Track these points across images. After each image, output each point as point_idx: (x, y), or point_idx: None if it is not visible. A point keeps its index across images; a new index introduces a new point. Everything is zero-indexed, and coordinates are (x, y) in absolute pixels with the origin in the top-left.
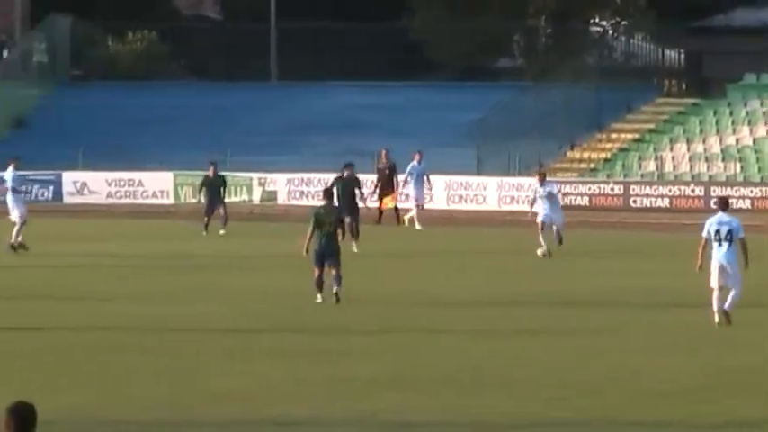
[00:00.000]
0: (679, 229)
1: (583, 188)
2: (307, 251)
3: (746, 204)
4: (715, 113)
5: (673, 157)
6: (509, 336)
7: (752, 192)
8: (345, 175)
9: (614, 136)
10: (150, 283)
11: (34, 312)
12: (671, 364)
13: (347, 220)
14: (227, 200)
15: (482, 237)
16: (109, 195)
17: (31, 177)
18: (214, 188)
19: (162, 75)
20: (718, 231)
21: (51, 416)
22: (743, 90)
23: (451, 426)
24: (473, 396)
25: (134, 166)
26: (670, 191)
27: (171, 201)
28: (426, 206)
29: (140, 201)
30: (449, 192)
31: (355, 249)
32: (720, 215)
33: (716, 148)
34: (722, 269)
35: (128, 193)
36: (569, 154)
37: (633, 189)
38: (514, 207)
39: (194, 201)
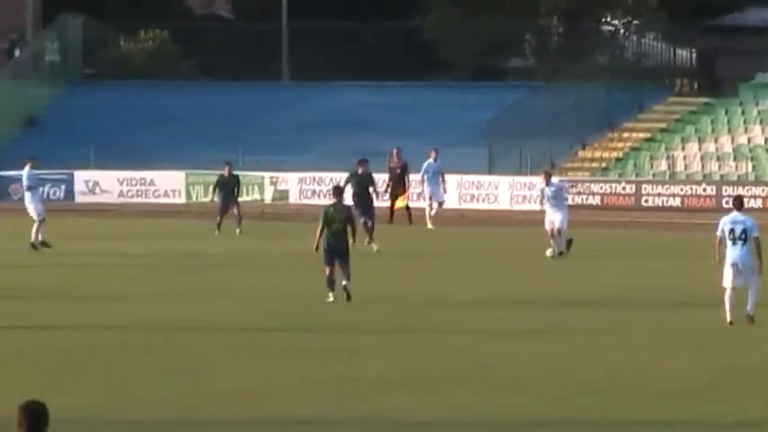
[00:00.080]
0: (690, 228)
1: (594, 187)
2: (317, 248)
3: (758, 204)
4: (727, 113)
5: (684, 157)
6: (517, 335)
7: (763, 191)
8: (360, 171)
9: (626, 135)
10: (161, 282)
11: (43, 311)
12: (677, 364)
13: (362, 220)
14: (239, 199)
15: (493, 236)
16: (121, 194)
17: (42, 176)
18: (228, 188)
19: (173, 74)
20: (732, 230)
21: (56, 415)
22: (755, 89)
23: (461, 425)
24: (481, 395)
25: (146, 165)
26: (681, 190)
27: (182, 200)
28: (432, 204)
29: (152, 200)
30: (461, 191)
31: (375, 248)
32: (735, 214)
33: (727, 148)
34: (736, 268)
35: (139, 193)
36: (581, 153)
37: (645, 188)
38: (526, 206)
39: (206, 200)
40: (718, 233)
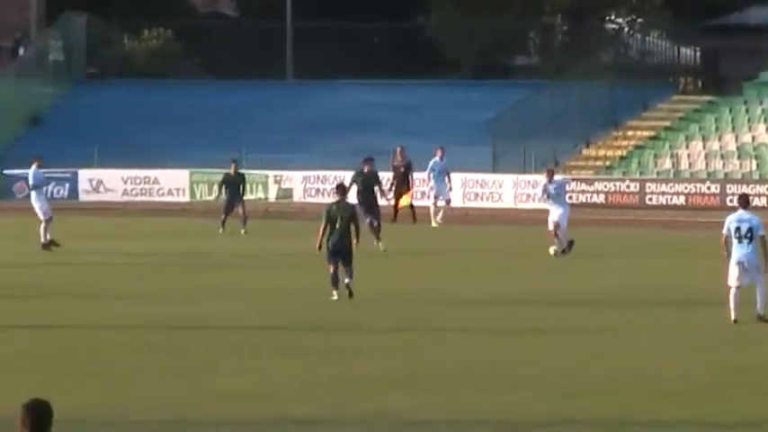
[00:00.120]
0: (694, 226)
1: (598, 186)
2: (320, 247)
3: (762, 202)
4: (731, 111)
5: (688, 155)
6: (520, 334)
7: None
8: (366, 170)
9: (630, 134)
10: (165, 281)
11: (45, 311)
12: (679, 363)
13: (368, 220)
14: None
15: (497, 235)
16: (125, 193)
17: (46, 175)
18: (234, 186)
19: (177, 73)
20: (738, 229)
21: (58, 415)
22: (758, 88)
23: (463, 424)
24: (484, 394)
25: (150, 163)
26: (686, 188)
27: (186, 198)
28: (440, 204)
29: (156, 198)
30: (465, 189)
31: (382, 248)
32: (741, 212)
33: (731, 146)
34: (741, 267)
35: (143, 191)
36: (585, 152)
37: (649, 187)
38: (530, 205)
39: (210, 198)
40: (724, 231)
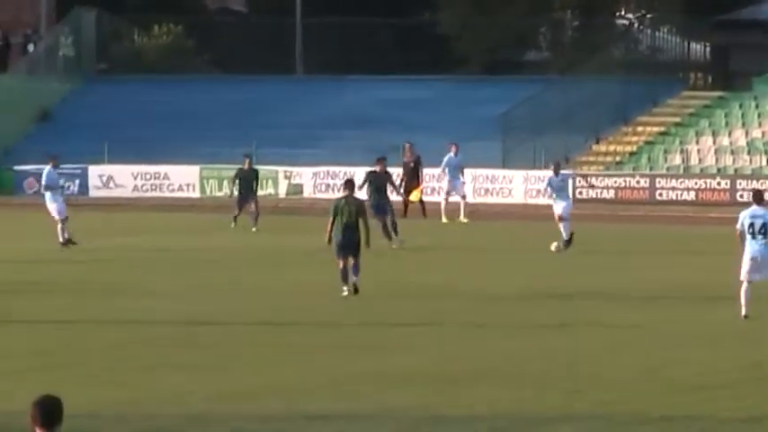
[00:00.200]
0: (705, 222)
1: (608, 181)
2: (329, 241)
3: None
4: (741, 107)
5: (698, 150)
6: (531, 330)
7: None
8: (378, 169)
9: (640, 129)
10: (176, 277)
11: (55, 307)
12: (691, 359)
13: (381, 224)
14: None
15: (507, 230)
16: (135, 189)
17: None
18: (247, 181)
19: (187, 69)
20: (752, 224)
21: (69, 410)
22: None
23: (475, 420)
24: (496, 389)
25: (160, 159)
26: (696, 184)
27: (197, 194)
28: (451, 199)
29: (166, 194)
30: (475, 185)
31: (395, 245)
32: (755, 208)
33: (742, 141)
34: (755, 262)
35: (154, 187)
36: (595, 147)
37: (659, 182)
38: (540, 200)
39: (221, 194)
40: (738, 227)
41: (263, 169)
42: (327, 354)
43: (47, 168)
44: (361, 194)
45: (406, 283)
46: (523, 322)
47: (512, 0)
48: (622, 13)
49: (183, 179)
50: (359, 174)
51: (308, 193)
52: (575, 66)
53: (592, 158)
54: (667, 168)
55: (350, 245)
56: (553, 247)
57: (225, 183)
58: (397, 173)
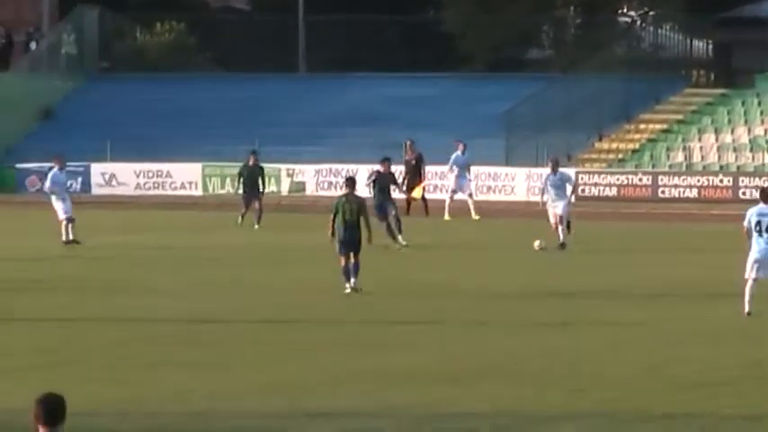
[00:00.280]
0: (707, 219)
1: (611, 179)
2: (333, 234)
3: None
4: (743, 104)
5: (701, 148)
6: (534, 328)
7: None
8: (382, 170)
9: (642, 126)
10: (179, 274)
11: (63, 305)
12: (693, 356)
13: (384, 223)
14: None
15: (510, 228)
16: (137, 187)
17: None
18: (252, 178)
19: (190, 66)
20: (759, 223)
21: (84, 408)
22: None
23: (477, 417)
24: (503, 387)
25: (162, 157)
26: (698, 181)
27: (199, 192)
28: (457, 197)
29: (169, 192)
30: (477, 182)
31: (398, 246)
32: (762, 206)
33: (744, 139)
34: (761, 261)
35: (156, 185)
36: (597, 145)
37: (661, 180)
38: (546, 197)
39: (223, 192)
40: (745, 224)
41: (265, 167)
42: (329, 351)
43: (52, 171)
44: (366, 193)
45: (408, 281)
46: (525, 320)
47: None
48: (625, 10)
49: (185, 177)
50: (362, 171)
51: (310, 190)
52: (577, 63)
53: (594, 156)
54: (670, 166)
55: (351, 243)
56: (536, 245)
57: (227, 180)
58: (399, 170)
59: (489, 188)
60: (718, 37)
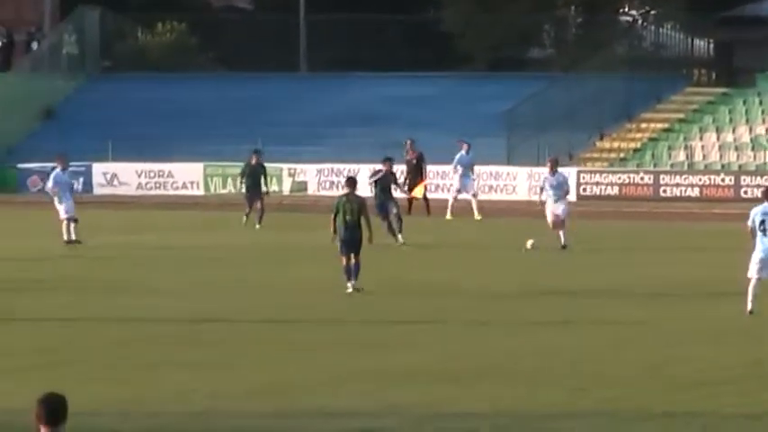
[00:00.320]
0: (709, 218)
1: (612, 178)
2: (335, 231)
3: None
4: (744, 103)
5: (702, 147)
6: (535, 327)
7: None
8: (385, 169)
9: (644, 126)
10: (181, 274)
11: (65, 305)
12: (695, 355)
13: (386, 223)
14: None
15: (511, 227)
16: (139, 186)
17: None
18: (254, 177)
19: (192, 66)
20: (763, 221)
21: (86, 408)
22: None
23: (479, 417)
24: (504, 387)
25: (164, 157)
26: (700, 180)
27: (201, 192)
28: (461, 197)
29: (170, 192)
30: (479, 181)
31: (399, 242)
32: (765, 205)
33: (745, 138)
34: (765, 260)
35: (158, 185)
36: (599, 144)
37: (663, 179)
38: (545, 197)
39: (225, 192)
40: (749, 223)
41: (267, 166)
42: (330, 351)
43: (54, 171)
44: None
45: (409, 281)
46: (526, 319)
47: None
48: (626, 9)
49: (186, 177)
50: (363, 171)
51: (312, 190)
52: (578, 63)
53: (596, 155)
54: (671, 165)
55: (352, 242)
56: (528, 244)
57: (229, 180)
58: (401, 170)
59: (491, 188)
60: (719, 36)
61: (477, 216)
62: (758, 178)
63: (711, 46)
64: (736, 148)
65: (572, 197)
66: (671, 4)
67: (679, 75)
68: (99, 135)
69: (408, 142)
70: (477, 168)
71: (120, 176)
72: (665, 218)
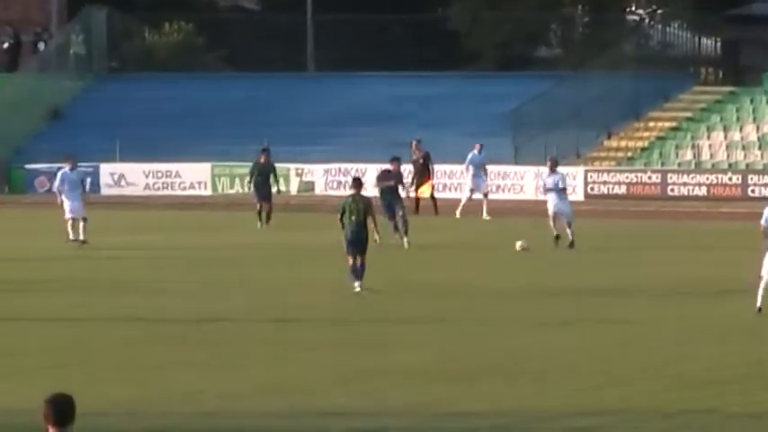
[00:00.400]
0: (716, 217)
1: (620, 177)
2: (343, 226)
3: None
4: (752, 101)
5: (710, 146)
6: (543, 326)
7: None
8: (392, 169)
9: (651, 124)
10: (189, 274)
11: (68, 305)
12: (703, 354)
13: (392, 223)
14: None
15: (519, 227)
16: (146, 187)
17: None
18: (264, 175)
19: (199, 66)
20: None
21: (93, 408)
22: None
23: (487, 416)
24: (511, 386)
25: (171, 157)
26: (707, 179)
27: (208, 192)
28: (476, 197)
29: (178, 192)
30: (486, 181)
31: (406, 245)
32: None
33: (753, 136)
34: None
35: (165, 185)
36: (606, 143)
37: (670, 177)
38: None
39: (232, 192)
40: (762, 222)
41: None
42: (335, 351)
43: (61, 170)
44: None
45: (415, 281)
46: (535, 318)
47: None
48: (633, 8)
49: (194, 177)
50: (370, 171)
51: (319, 190)
52: (585, 62)
53: (603, 154)
54: (679, 164)
55: (358, 242)
56: (518, 246)
57: (236, 180)
58: (408, 170)
59: (498, 187)
60: (726, 34)
61: (485, 216)
62: (765, 177)
63: (718, 44)
64: (744, 147)
65: (579, 196)
66: (678, 3)
67: (686, 73)
68: (106, 135)
69: (414, 142)
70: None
71: (127, 177)
72: (673, 217)
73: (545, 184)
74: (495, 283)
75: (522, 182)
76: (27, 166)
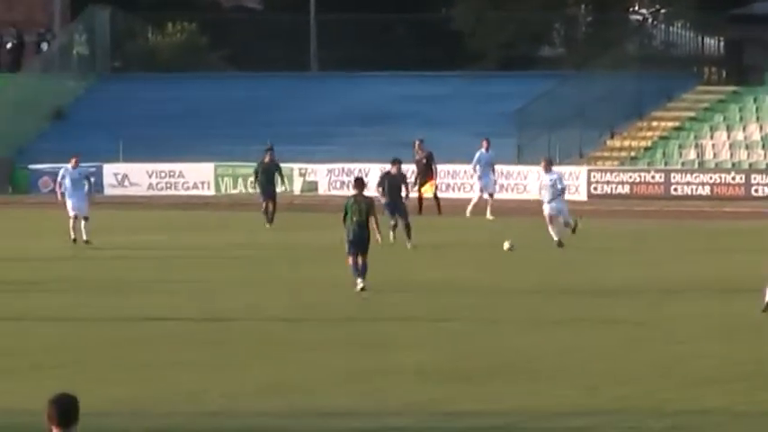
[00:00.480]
0: (720, 216)
1: (623, 176)
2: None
3: None
4: (755, 101)
5: (713, 145)
6: (548, 325)
7: None
8: (393, 171)
9: (655, 124)
10: (192, 274)
11: (71, 305)
12: (711, 352)
13: (393, 223)
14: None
15: (523, 227)
16: (150, 187)
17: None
18: (269, 174)
19: (202, 66)
20: None
21: (97, 408)
22: None
23: (491, 415)
24: (517, 385)
25: (175, 157)
26: (711, 179)
27: (212, 192)
28: (485, 197)
29: (181, 192)
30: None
31: (409, 246)
32: None
33: (756, 136)
34: None
35: (168, 185)
36: (610, 142)
37: (674, 177)
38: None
39: (235, 192)
40: None
41: None
42: (343, 350)
43: (64, 168)
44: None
45: (420, 279)
46: (537, 318)
47: None
48: (636, 8)
49: (197, 177)
50: (374, 171)
51: (322, 190)
52: (589, 61)
53: (606, 154)
54: (682, 163)
55: (359, 243)
56: (505, 246)
57: (240, 180)
58: (411, 170)
59: (501, 186)
60: (729, 34)
61: (489, 216)
62: None
63: (722, 44)
64: (747, 147)
65: (583, 196)
66: (681, 3)
67: (689, 73)
68: (110, 135)
69: (417, 142)
70: None
71: (130, 177)
72: (676, 216)
73: (541, 183)
74: (495, 283)
75: (525, 181)
76: (30, 167)
